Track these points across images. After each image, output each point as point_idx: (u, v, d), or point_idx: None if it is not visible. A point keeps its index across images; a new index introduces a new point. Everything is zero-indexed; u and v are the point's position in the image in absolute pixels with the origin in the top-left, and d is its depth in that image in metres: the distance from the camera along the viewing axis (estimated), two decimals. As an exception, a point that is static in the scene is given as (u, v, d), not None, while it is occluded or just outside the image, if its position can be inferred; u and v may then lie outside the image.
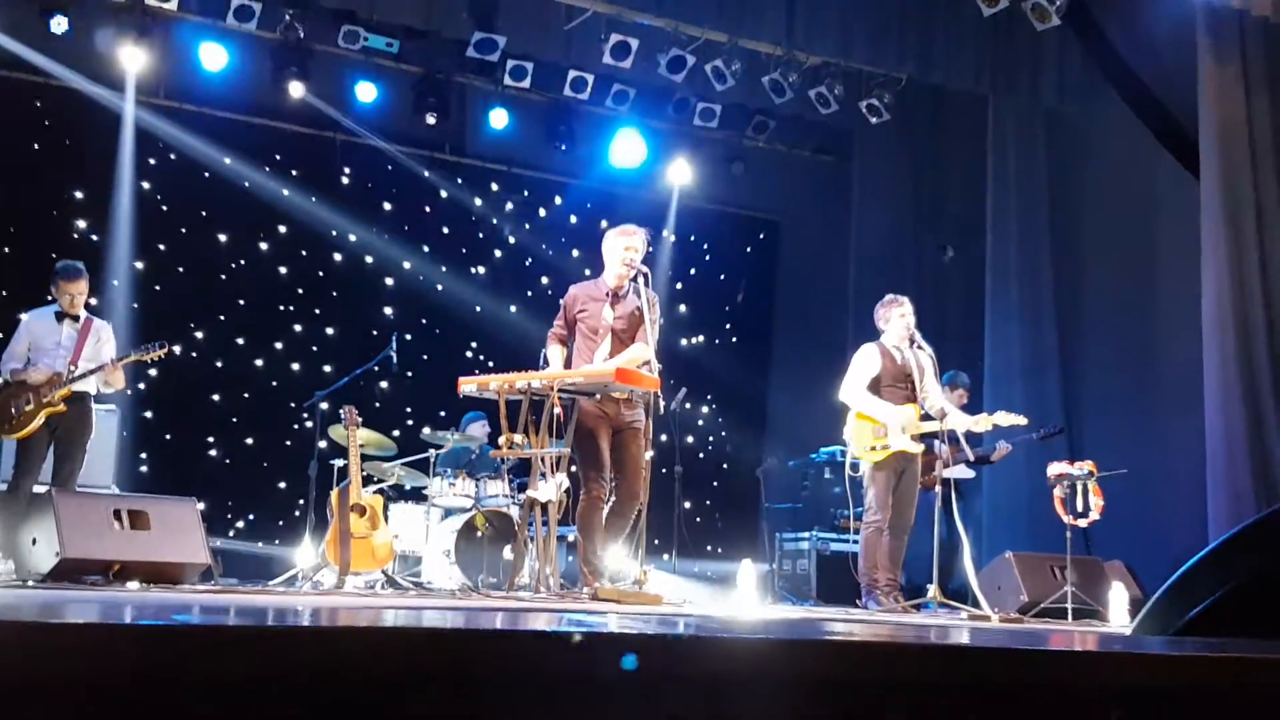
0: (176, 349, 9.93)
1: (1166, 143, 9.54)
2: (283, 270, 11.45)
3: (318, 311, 11.53)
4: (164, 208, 10.93)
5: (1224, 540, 2.28)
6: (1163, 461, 9.28)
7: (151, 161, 10.83)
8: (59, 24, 9.71)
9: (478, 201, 12.21)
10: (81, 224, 10.63)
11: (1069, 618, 7.30)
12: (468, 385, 6.71)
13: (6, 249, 10.30)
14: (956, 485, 8.59)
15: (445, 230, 12.18)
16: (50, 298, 7.62)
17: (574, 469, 6.72)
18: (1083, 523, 7.60)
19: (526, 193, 12.68)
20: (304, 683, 1.25)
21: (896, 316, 7.70)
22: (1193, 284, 8.75)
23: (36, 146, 10.49)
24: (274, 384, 11.19)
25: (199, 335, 10.98)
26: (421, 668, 1.30)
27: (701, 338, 13.27)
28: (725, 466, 13.10)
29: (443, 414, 10.58)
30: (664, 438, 10.54)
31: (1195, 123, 8.94)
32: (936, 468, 7.58)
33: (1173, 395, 9.46)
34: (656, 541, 10.88)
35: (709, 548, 12.47)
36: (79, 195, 10.66)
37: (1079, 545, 8.30)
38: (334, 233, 11.56)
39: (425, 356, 11.68)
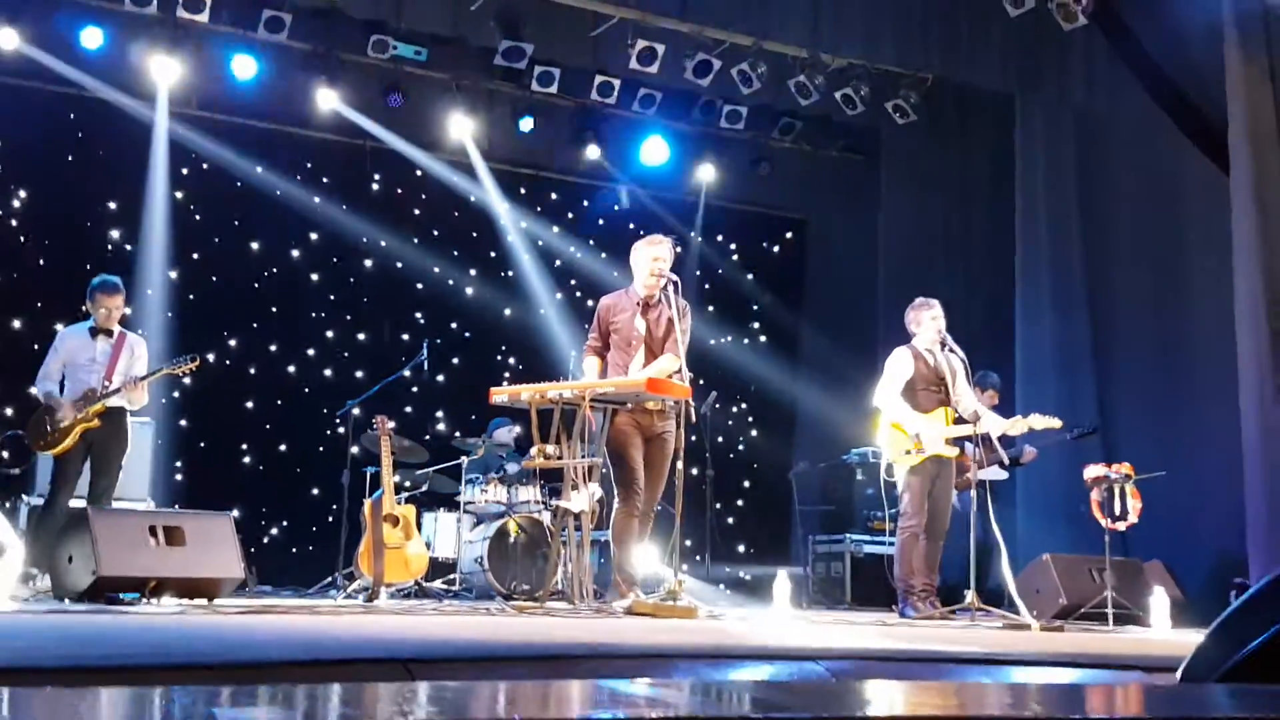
0: (210, 357, 10.06)
1: (1195, 139, 9.44)
2: (314, 277, 11.52)
3: (349, 318, 11.60)
4: (197, 217, 11.02)
5: (1274, 579, 2.27)
6: (1199, 459, 9.18)
7: (184, 171, 10.92)
8: (92, 37, 9.79)
9: (506, 206, 12.24)
10: (115, 234, 10.72)
11: (1109, 622, 7.26)
12: (499, 396, 6.73)
13: (41, 260, 10.41)
14: (991, 487, 8.55)
15: (474, 234, 12.23)
16: (85, 311, 7.67)
17: (605, 470, 6.73)
18: (1121, 526, 7.56)
19: (554, 196, 12.72)
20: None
21: (928, 320, 7.67)
22: (1225, 280, 8.66)
23: (70, 159, 10.59)
24: (306, 390, 11.26)
25: (232, 343, 11.06)
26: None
27: (730, 338, 13.26)
28: (755, 467, 13.08)
29: (474, 418, 10.64)
30: (693, 438, 10.53)
31: (1224, 119, 8.85)
32: (971, 470, 7.55)
33: (1208, 392, 9.37)
34: (688, 543, 10.90)
35: (741, 550, 12.48)
36: (112, 206, 10.76)
37: (1116, 546, 8.25)
38: (364, 239, 11.62)
39: (455, 360, 11.74)
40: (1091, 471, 7.70)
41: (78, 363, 7.47)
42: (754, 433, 13.24)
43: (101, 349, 7.52)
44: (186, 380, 10.21)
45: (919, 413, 7.53)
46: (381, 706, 1.45)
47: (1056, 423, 7.47)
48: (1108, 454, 9.19)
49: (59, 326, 8.24)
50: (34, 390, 7.52)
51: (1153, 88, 9.69)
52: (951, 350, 7.63)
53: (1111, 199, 10.59)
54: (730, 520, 12.61)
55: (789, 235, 13.84)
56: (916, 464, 7.46)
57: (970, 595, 7.08)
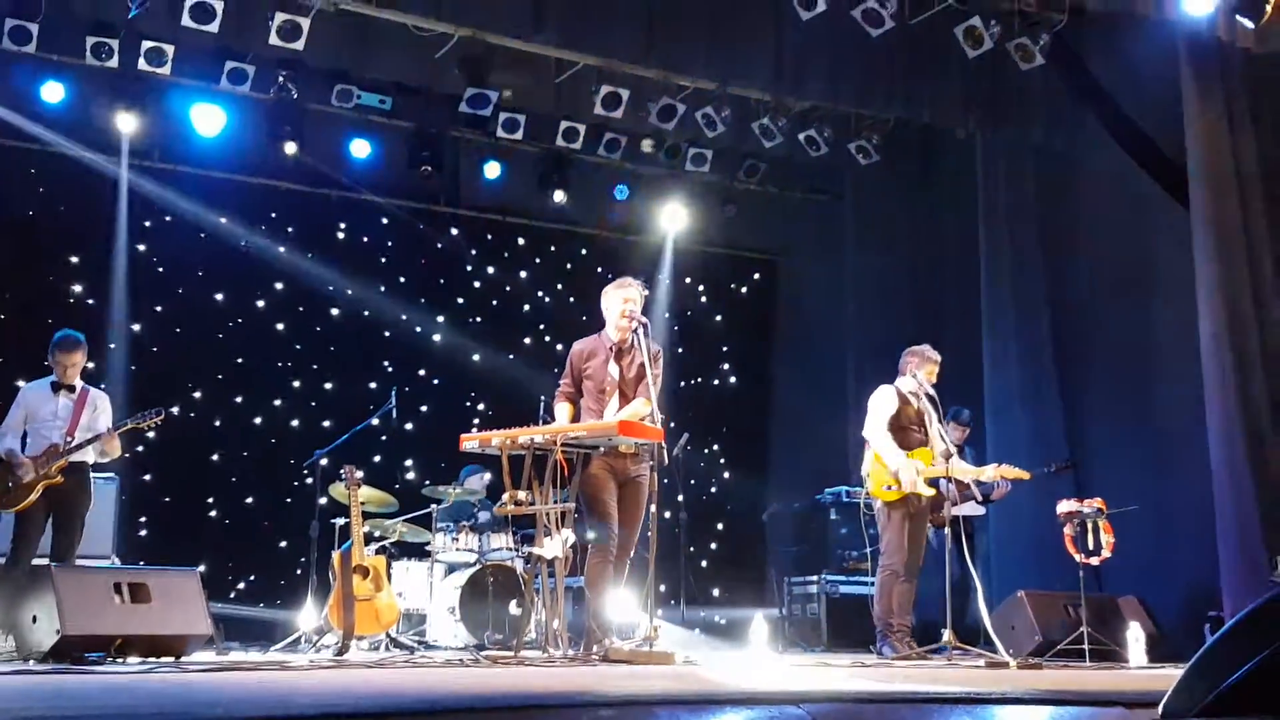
0: (174, 410, 9.94)
1: (1156, 176, 9.52)
2: (280, 327, 11.44)
3: (316, 367, 11.52)
4: (160, 269, 10.94)
5: (1248, 613, 2.26)
6: (1170, 492, 9.19)
7: (147, 224, 10.85)
8: (53, 91, 9.73)
9: (473, 252, 12.24)
10: (77, 288, 10.63)
11: (1086, 659, 7.24)
12: (470, 442, 6.67)
13: (2, 315, 10.29)
14: (967, 523, 8.55)
15: (441, 281, 12.20)
16: (47, 366, 7.58)
17: (577, 515, 6.67)
18: (1095, 561, 7.57)
19: (521, 241, 12.71)
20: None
21: (924, 374, 7.74)
22: (1190, 314, 8.72)
23: (31, 213, 10.49)
24: (273, 441, 11.15)
25: (197, 395, 10.96)
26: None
27: (700, 379, 13.25)
28: (729, 509, 13.03)
29: (443, 465, 10.55)
30: (665, 481, 10.50)
31: (1183, 155, 8.94)
32: (944, 507, 7.56)
33: (1176, 425, 9.40)
34: (663, 588, 10.83)
35: (716, 593, 12.42)
36: (74, 260, 10.67)
37: (1090, 581, 8.26)
38: (330, 288, 11.56)
39: (424, 408, 11.67)
40: (1064, 506, 7.72)
41: (40, 418, 7.38)
42: (726, 474, 13.20)
43: (63, 404, 7.44)
44: (151, 434, 10.08)
45: (903, 450, 7.56)
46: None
47: (1025, 475, 7.56)
48: (1079, 489, 9.20)
49: (20, 383, 8.14)
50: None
51: (1111, 125, 9.77)
52: (928, 395, 7.69)
53: (1075, 236, 10.65)
54: (704, 564, 12.55)
55: (757, 276, 13.88)
56: (895, 499, 7.50)
57: (947, 634, 7.06)
